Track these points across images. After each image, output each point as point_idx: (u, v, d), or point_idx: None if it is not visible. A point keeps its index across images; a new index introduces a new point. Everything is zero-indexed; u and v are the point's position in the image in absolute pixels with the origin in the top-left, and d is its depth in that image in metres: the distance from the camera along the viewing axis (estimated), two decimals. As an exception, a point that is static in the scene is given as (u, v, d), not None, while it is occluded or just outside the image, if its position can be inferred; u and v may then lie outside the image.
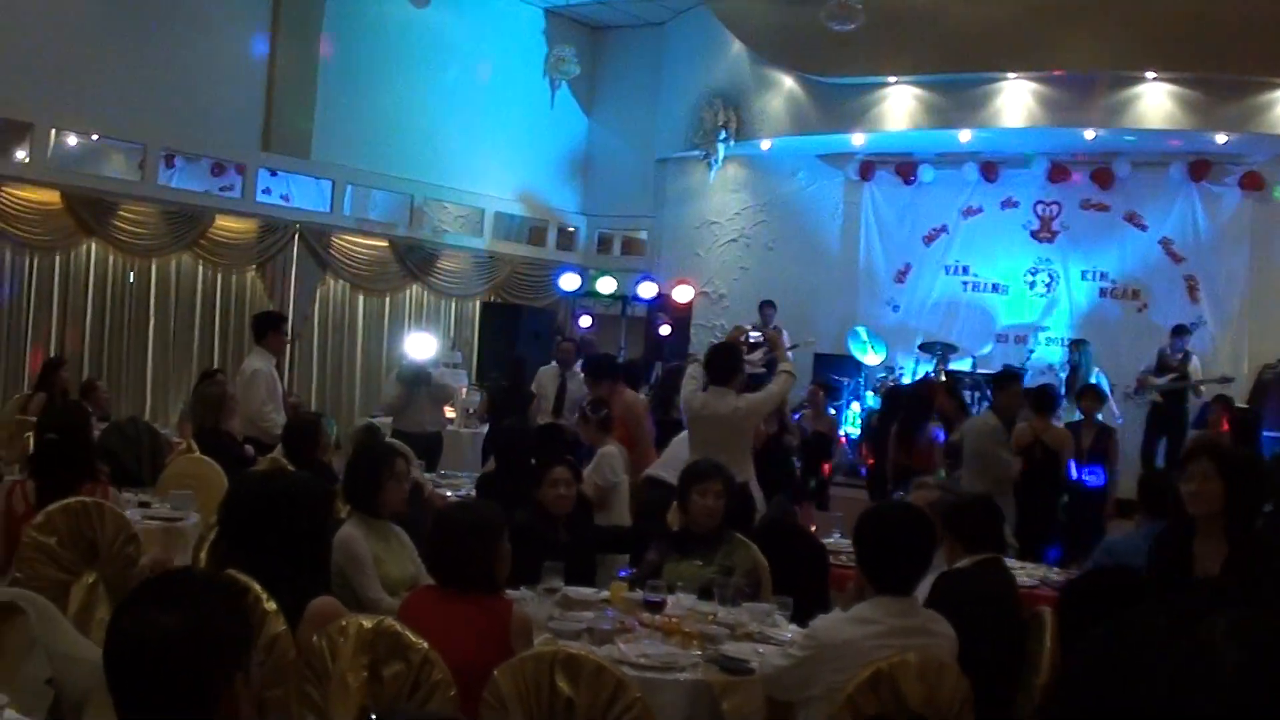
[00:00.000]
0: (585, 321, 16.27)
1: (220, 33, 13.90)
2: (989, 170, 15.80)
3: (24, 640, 4.00)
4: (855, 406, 15.20)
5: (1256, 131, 13.40)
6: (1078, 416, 11.12)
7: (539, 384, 11.43)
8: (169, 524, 6.54)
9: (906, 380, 14.48)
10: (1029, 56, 13.87)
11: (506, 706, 3.72)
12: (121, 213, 13.20)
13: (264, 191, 15.06)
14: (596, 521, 7.38)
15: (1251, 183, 14.37)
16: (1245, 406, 12.32)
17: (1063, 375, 13.89)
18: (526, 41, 17.49)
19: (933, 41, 14.21)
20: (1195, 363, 13.24)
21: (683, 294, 15.57)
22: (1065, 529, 9.77)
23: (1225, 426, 10.85)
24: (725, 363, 7.75)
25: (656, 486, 7.79)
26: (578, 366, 11.70)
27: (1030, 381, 12.03)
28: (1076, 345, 14.10)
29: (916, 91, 14.76)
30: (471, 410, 13.23)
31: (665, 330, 15.26)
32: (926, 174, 16.24)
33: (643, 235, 18.41)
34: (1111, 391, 13.42)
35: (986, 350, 15.68)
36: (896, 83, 14.81)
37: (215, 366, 12.49)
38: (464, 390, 13.83)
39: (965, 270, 16.20)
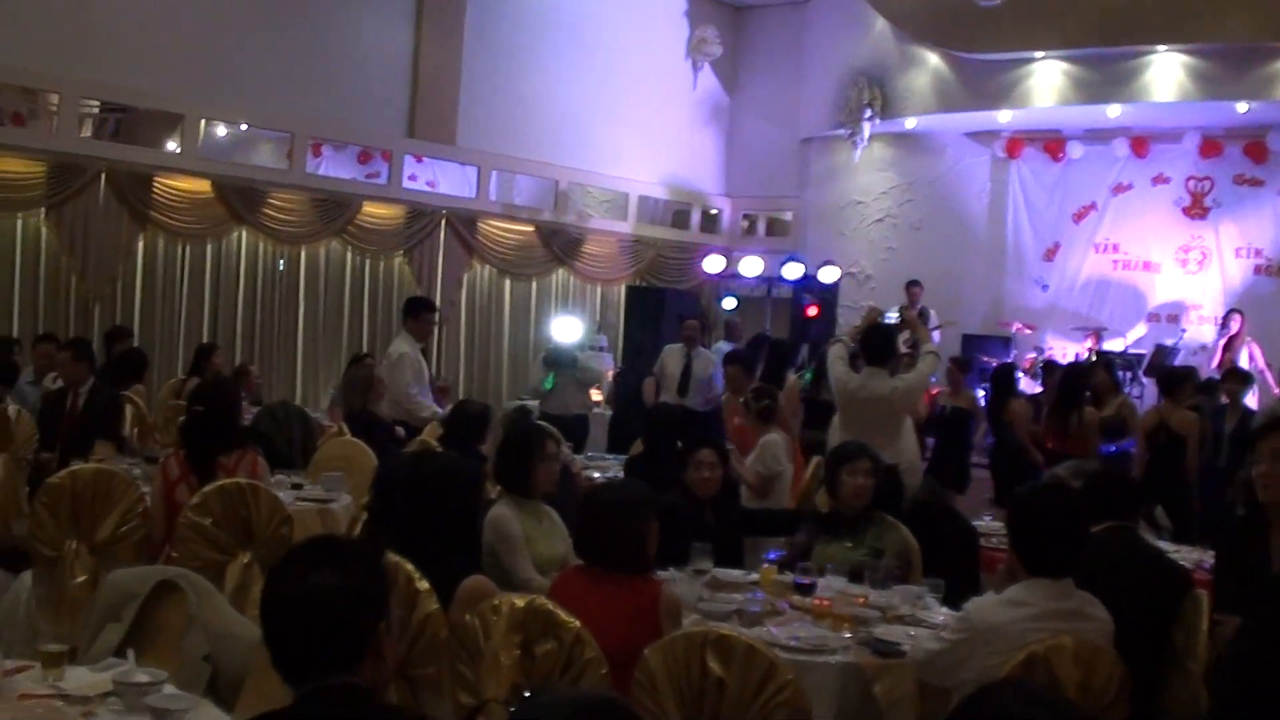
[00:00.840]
0: (729, 303, 16.14)
1: (365, 21, 14.06)
2: (1139, 146, 15.49)
3: (183, 618, 4.07)
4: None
5: None
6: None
7: (662, 363, 11.28)
8: (321, 505, 6.62)
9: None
10: (1180, 29, 13.50)
11: (657, 686, 3.71)
12: (271, 201, 13.44)
13: (410, 178, 15.25)
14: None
15: None
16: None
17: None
18: (668, 23, 17.47)
19: (1081, 14, 13.91)
20: None
21: (828, 275, 15.35)
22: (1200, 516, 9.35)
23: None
24: (881, 344, 7.84)
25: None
26: (721, 345, 11.59)
27: (1182, 361, 11.72)
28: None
29: (1064, 66, 14.43)
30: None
31: (812, 311, 15.07)
32: (1075, 150, 16.03)
33: (787, 216, 18.26)
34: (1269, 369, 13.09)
35: (1140, 333, 15.40)
36: (1044, 58, 14.49)
37: (364, 351, 12.65)
38: (609, 373, 13.78)
39: (1115, 249, 15.99)
